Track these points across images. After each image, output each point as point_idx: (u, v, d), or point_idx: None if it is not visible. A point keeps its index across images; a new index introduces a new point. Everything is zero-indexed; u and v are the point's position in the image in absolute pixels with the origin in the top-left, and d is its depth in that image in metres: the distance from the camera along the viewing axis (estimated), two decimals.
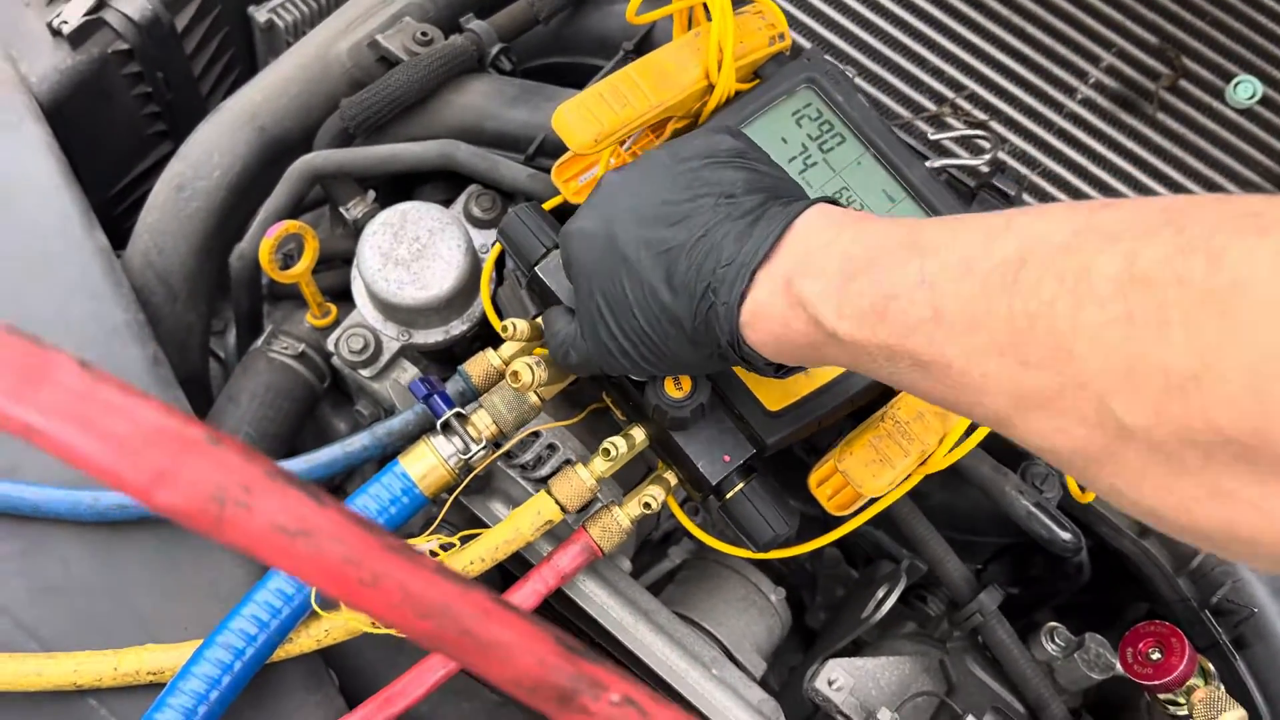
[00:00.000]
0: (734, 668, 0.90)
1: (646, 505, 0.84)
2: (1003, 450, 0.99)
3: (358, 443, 0.88)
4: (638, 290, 0.68)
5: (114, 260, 0.97)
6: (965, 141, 1.16)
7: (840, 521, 0.88)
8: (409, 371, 1.01)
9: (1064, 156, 1.17)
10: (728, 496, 0.84)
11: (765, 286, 0.62)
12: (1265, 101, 1.19)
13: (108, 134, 1.18)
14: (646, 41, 1.08)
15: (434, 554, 0.82)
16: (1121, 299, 0.44)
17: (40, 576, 0.85)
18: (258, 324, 1.11)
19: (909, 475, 0.84)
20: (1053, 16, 1.22)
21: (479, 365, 0.88)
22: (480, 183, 1.03)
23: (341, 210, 1.03)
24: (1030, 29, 1.21)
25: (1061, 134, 1.18)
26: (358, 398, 1.05)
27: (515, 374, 0.80)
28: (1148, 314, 0.43)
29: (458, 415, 0.84)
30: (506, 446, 0.86)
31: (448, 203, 1.07)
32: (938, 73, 1.20)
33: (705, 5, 0.90)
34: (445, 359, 1.07)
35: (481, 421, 0.85)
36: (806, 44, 1.20)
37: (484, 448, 0.84)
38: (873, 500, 0.86)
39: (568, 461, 0.94)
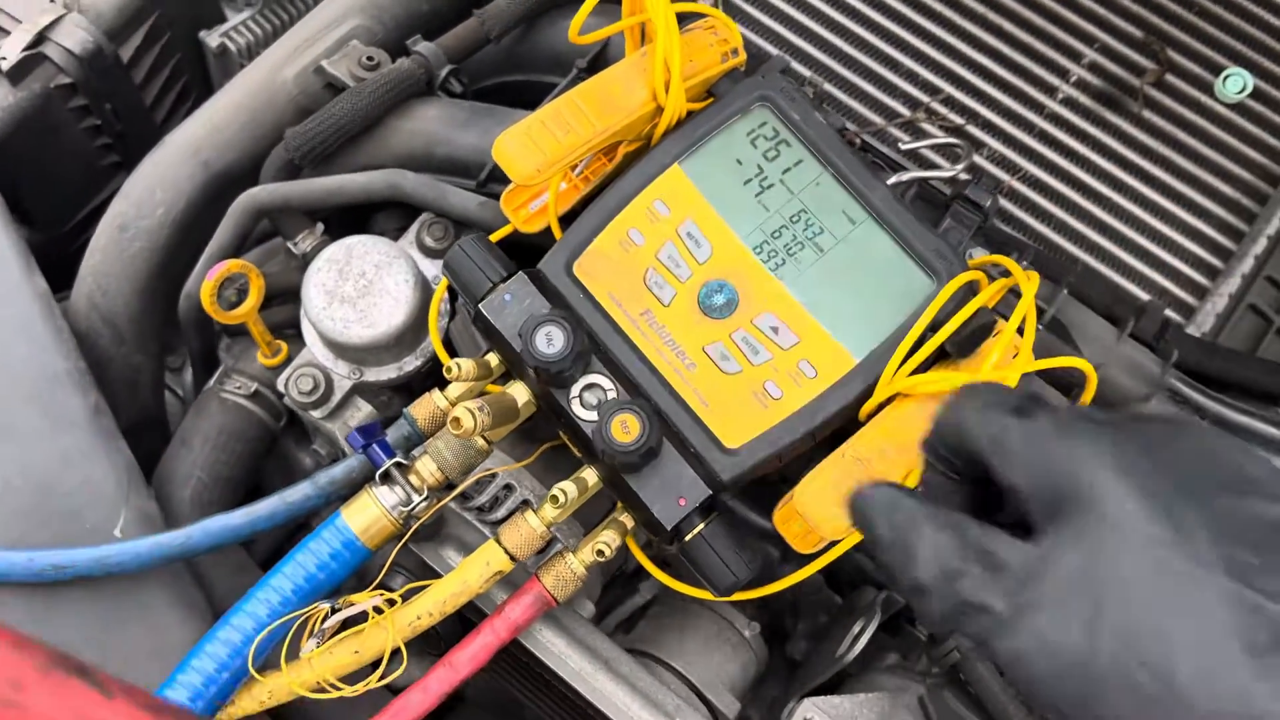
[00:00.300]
0: (699, 715, 0.86)
1: (600, 553, 0.80)
2: None
3: (299, 493, 0.85)
4: None
5: (54, 305, 0.94)
6: (943, 149, 1.12)
7: (807, 560, 0.84)
8: (362, 410, 0.98)
9: (1046, 160, 1.12)
10: (686, 539, 0.80)
11: None
12: (1257, 94, 1.13)
13: (58, 169, 1.15)
14: (600, 59, 1.04)
15: (378, 610, 0.79)
16: None
17: None
18: (213, 362, 1.08)
19: None
20: (1030, 11, 1.17)
21: (424, 408, 0.85)
22: (430, 212, 0.99)
23: (289, 245, 1.00)
24: (1007, 25, 1.16)
25: (1043, 136, 1.13)
26: (314, 436, 1.02)
27: (456, 420, 0.77)
28: None
29: (398, 465, 0.80)
30: (452, 495, 0.82)
31: (402, 230, 1.03)
32: (911, 75, 1.15)
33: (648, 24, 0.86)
34: (408, 391, 1.04)
35: (426, 468, 0.82)
36: (773, 50, 1.16)
37: (426, 499, 0.81)
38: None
39: (525, 503, 0.91)
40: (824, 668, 0.96)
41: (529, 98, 1.07)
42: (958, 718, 0.91)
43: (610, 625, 1.02)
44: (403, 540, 0.81)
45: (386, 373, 0.97)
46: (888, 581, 0.97)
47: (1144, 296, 1.07)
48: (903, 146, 1.04)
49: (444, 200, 0.96)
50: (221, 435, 1.00)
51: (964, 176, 1.00)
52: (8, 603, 0.83)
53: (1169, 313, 1.07)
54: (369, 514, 0.81)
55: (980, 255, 0.98)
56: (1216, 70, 1.13)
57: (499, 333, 0.82)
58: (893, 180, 0.97)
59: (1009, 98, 1.14)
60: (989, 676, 0.90)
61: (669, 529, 0.79)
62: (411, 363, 0.97)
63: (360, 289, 0.93)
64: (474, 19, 1.06)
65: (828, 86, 1.14)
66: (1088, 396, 0.83)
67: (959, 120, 1.13)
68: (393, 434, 0.85)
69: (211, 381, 1.02)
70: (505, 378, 0.86)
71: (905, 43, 1.16)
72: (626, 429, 0.76)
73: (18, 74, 1.05)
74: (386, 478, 0.81)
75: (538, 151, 0.83)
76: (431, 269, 1.00)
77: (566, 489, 0.79)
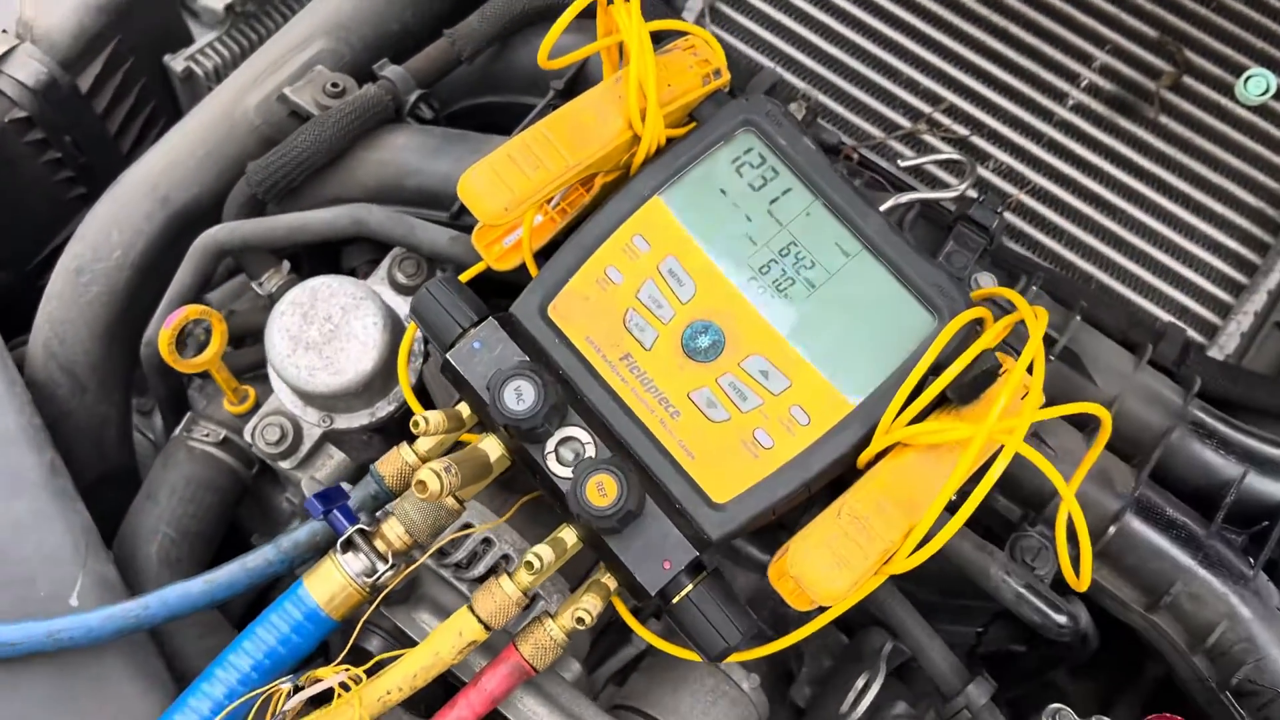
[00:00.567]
0: None
1: (580, 620, 0.75)
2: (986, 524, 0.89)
3: (260, 558, 0.80)
4: None
5: (6, 359, 0.90)
6: (947, 164, 1.06)
7: (805, 619, 0.79)
8: (334, 459, 0.93)
9: (1055, 171, 1.05)
10: (674, 601, 0.75)
11: None
12: None
13: (19, 205, 1.10)
14: (579, 79, 0.98)
15: (344, 686, 0.74)
16: None
17: None
18: (182, 406, 1.03)
19: (874, 573, 0.74)
20: (1037, 12, 1.10)
21: (391, 464, 0.80)
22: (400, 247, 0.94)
23: (254, 286, 0.95)
24: (1012, 28, 1.10)
25: (1052, 146, 1.06)
26: (285, 485, 0.97)
27: (421, 484, 0.71)
28: None
29: (361, 532, 0.75)
30: (421, 560, 0.77)
31: (375, 263, 0.98)
32: (911, 84, 1.09)
33: (623, 45, 0.80)
34: (390, 431, 0.99)
35: (393, 531, 0.77)
36: (765, 62, 1.10)
37: (392, 566, 0.75)
38: None
39: (506, 558, 0.86)
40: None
41: (505, 120, 1.02)
42: None
43: (602, 678, 0.97)
44: (371, 608, 0.76)
45: (358, 419, 0.92)
46: None
47: (1163, 316, 1.00)
48: (902, 164, 0.98)
49: (413, 236, 0.91)
50: (189, 486, 0.95)
51: (971, 193, 0.94)
52: None
53: (1191, 331, 1.00)
54: (333, 583, 0.75)
55: (987, 280, 0.92)
56: (1237, 71, 1.06)
57: (468, 383, 0.77)
58: (890, 203, 0.91)
59: (1016, 105, 1.07)
60: None
61: (653, 594, 0.73)
62: (385, 408, 0.92)
63: (326, 334, 0.87)
64: (444, 39, 1.00)
65: (823, 99, 1.08)
66: (1101, 441, 0.77)
67: (963, 131, 1.07)
68: (360, 492, 0.80)
69: (179, 429, 0.97)
70: (481, 426, 0.81)
71: (904, 49, 1.09)
72: (603, 491, 0.71)
73: None
74: (350, 545, 0.75)
75: (505, 189, 0.78)
76: (404, 307, 0.94)
77: (542, 554, 0.74)
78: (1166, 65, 1.08)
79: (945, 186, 1.02)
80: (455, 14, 1.05)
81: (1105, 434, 0.76)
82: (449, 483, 0.72)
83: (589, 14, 0.84)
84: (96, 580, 0.84)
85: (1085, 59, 1.09)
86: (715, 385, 0.78)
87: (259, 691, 0.73)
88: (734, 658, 0.78)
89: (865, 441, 0.76)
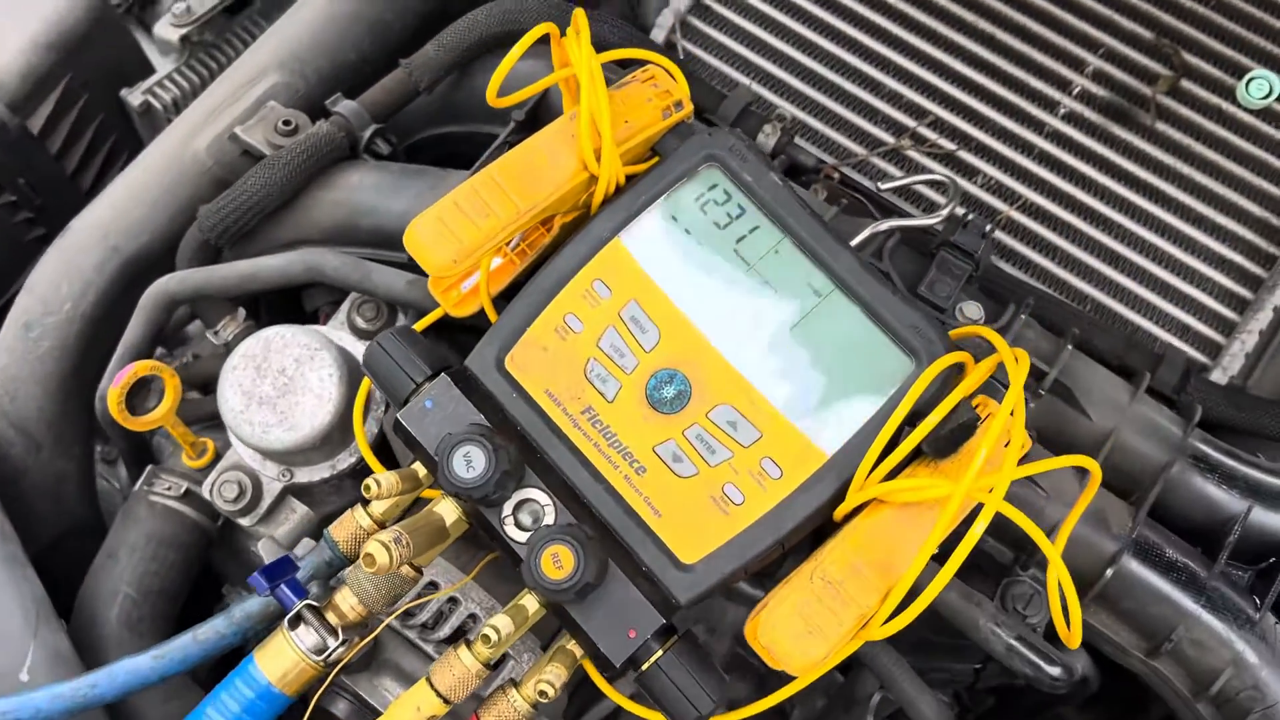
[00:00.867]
0: None
1: (543, 693, 0.71)
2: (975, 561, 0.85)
3: (212, 630, 0.76)
4: None
5: None
6: (933, 183, 1.01)
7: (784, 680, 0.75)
8: (297, 513, 0.90)
9: (1048, 185, 1.00)
10: (644, 669, 0.71)
11: None
12: None
13: None
14: (541, 109, 0.93)
15: None
16: None
17: None
18: (145, 457, 1.00)
19: (850, 639, 0.70)
20: (1025, 17, 1.04)
21: (345, 528, 0.76)
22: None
23: (209, 335, 0.91)
24: (999, 34, 1.04)
25: (1043, 158, 1.01)
26: (249, 540, 0.94)
27: (369, 557, 0.68)
28: None
29: (310, 607, 0.72)
30: (375, 633, 0.73)
31: (336, 304, 0.95)
32: (894, 97, 1.04)
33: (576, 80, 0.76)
34: (360, 475, 0.95)
35: (345, 602, 0.73)
36: (740, 78, 1.05)
37: (344, 641, 0.72)
38: None
39: (473, 617, 0.82)
40: None
41: (469, 149, 0.98)
42: None
43: None
44: (324, 685, 0.73)
45: (319, 473, 0.89)
46: None
47: (1163, 335, 0.96)
48: (883, 186, 0.93)
49: (368, 281, 0.87)
50: (151, 544, 0.92)
51: (960, 211, 0.89)
52: None
53: (1193, 351, 0.95)
54: (285, 659, 0.72)
55: (973, 309, 0.88)
56: (1239, 73, 1.01)
57: (420, 445, 0.73)
58: (868, 232, 0.86)
59: (1004, 116, 1.02)
60: None
61: (617, 666, 0.70)
62: (346, 459, 0.89)
63: (280, 388, 0.84)
64: (400, 70, 0.96)
65: (802, 115, 1.03)
66: (1090, 493, 0.72)
67: (949, 145, 1.02)
68: (315, 558, 0.76)
69: (139, 484, 0.94)
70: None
71: (885, 60, 1.04)
72: (559, 563, 0.67)
73: None
74: (300, 619, 0.72)
75: (453, 240, 0.74)
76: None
77: (499, 625, 0.70)
78: (1163, 69, 1.02)
79: (931, 205, 0.98)
80: (415, 41, 1.01)
81: (1095, 485, 0.72)
82: (398, 555, 0.68)
83: (549, 40, 0.79)
84: (49, 654, 0.81)
85: (1077, 65, 1.03)
86: (682, 438, 0.74)
87: None
88: None
89: (841, 494, 0.72)
